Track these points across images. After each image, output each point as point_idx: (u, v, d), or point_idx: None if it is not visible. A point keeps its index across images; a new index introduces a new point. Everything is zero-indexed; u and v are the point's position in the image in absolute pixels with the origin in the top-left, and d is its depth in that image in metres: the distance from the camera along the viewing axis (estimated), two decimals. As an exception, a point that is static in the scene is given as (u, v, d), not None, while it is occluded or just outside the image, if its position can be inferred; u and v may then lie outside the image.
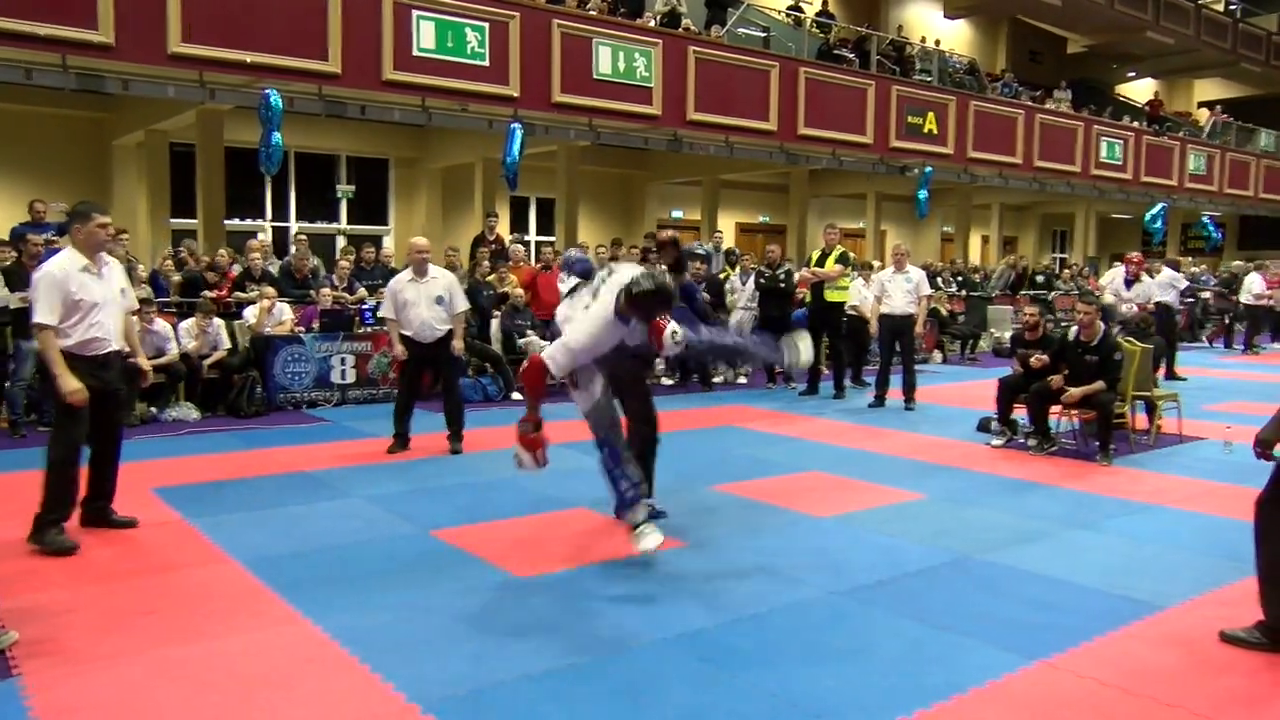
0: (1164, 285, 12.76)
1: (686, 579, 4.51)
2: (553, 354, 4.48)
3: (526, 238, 16.93)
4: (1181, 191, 22.95)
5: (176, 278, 10.13)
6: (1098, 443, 7.33)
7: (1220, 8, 27.74)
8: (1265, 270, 17.33)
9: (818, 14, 19.63)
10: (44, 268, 4.91)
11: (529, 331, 10.84)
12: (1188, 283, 15.54)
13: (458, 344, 7.49)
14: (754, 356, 5.36)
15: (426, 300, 7.25)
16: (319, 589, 4.29)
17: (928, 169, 16.78)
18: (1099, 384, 7.11)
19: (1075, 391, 7.15)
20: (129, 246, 10.42)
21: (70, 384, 4.70)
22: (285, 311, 9.73)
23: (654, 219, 19.13)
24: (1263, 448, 3.70)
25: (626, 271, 4.67)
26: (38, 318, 4.74)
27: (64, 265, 4.84)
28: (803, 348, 5.24)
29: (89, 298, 4.86)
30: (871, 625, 3.97)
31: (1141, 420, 8.22)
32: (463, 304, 7.53)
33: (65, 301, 4.78)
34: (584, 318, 4.58)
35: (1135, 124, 22.72)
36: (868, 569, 4.68)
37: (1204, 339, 18.63)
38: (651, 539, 4.64)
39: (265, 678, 3.41)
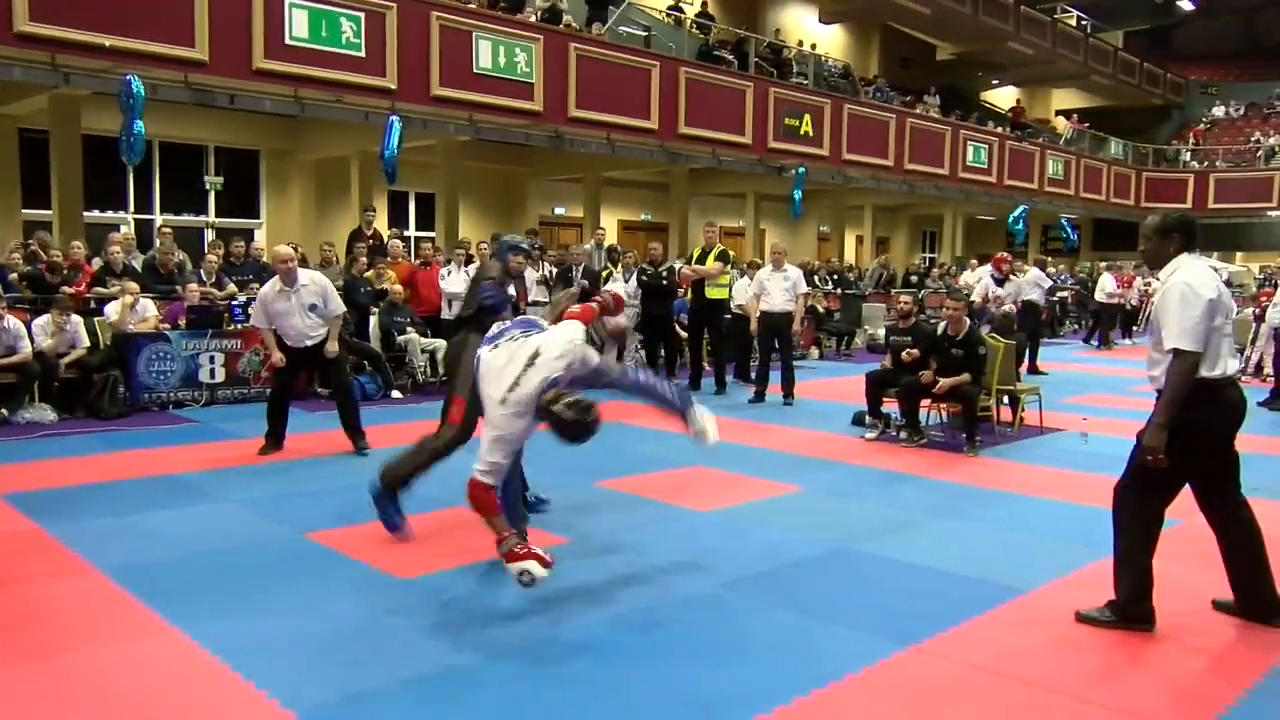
0: (1031, 284, 13.40)
1: (570, 576, 4.49)
2: (486, 464, 3.91)
3: (406, 233, 16.61)
4: (1041, 195, 24.16)
5: (14, 275, 9.47)
6: (964, 434, 7.65)
7: (1073, 22, 29.26)
8: (1118, 270, 18.40)
9: (698, 15, 19.87)
10: None
11: (408, 329, 10.65)
12: (1051, 282, 16.34)
13: (332, 347, 7.18)
14: (666, 401, 4.59)
15: (299, 309, 7.01)
16: (189, 597, 4.11)
17: (800, 169, 17.17)
18: (965, 376, 7.43)
19: (945, 382, 7.45)
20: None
21: None
22: (149, 308, 9.30)
23: (536, 215, 19.03)
24: (1152, 453, 3.77)
25: (551, 352, 3.99)
26: None
27: None
28: (710, 430, 4.53)
29: None
30: (752, 617, 4.04)
31: (1005, 413, 8.61)
32: (338, 308, 7.30)
33: None
34: (500, 414, 3.92)
35: (999, 130, 23.79)
36: (748, 562, 4.76)
37: (1063, 335, 19.64)
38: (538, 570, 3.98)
39: (131, 692, 3.25)
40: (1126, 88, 31.29)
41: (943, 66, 29.46)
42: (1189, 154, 30.23)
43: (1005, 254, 12.62)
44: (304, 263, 11.16)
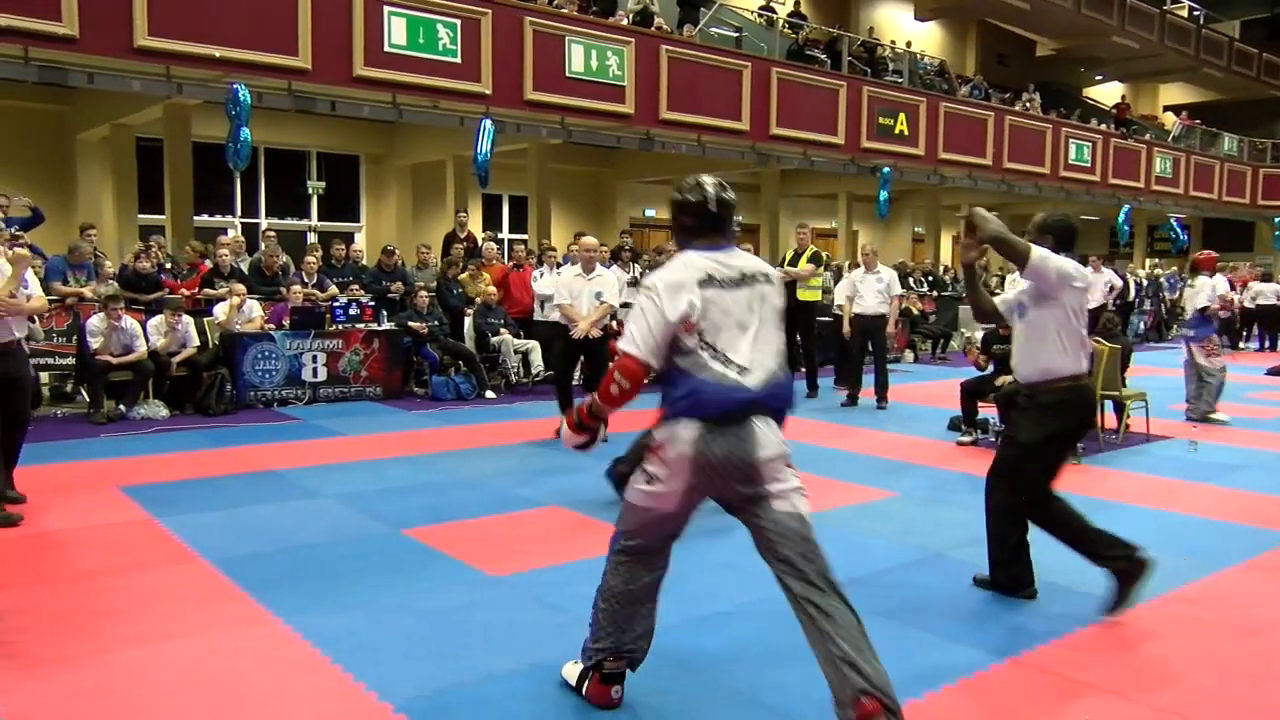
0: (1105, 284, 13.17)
1: (659, 577, 4.50)
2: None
3: (500, 235, 16.88)
4: (1147, 194, 23.28)
5: (112, 272, 9.85)
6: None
7: (1184, 14, 28.14)
8: (1231, 272, 17.63)
9: (789, 14, 19.71)
10: None
11: (502, 330, 10.81)
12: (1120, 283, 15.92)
13: (595, 329, 7.60)
14: None
15: (588, 295, 7.73)
16: (289, 588, 4.25)
17: (885, 169, 16.87)
18: None
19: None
20: (96, 241, 10.28)
21: None
22: (255, 309, 9.64)
23: (626, 217, 19.14)
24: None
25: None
26: None
27: None
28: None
29: None
30: (844, 623, 3.98)
31: (1110, 419, 8.32)
32: (614, 300, 7.93)
33: None
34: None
35: (1103, 127, 23.01)
36: (838, 567, 4.60)
37: (1170, 339, 18.91)
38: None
39: (234, 678, 3.37)
40: (1242, 80, 29.93)
41: (1042, 62, 28.65)
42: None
43: (1206, 252, 11.42)
44: (397, 268, 11.44)
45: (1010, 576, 4.25)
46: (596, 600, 3.19)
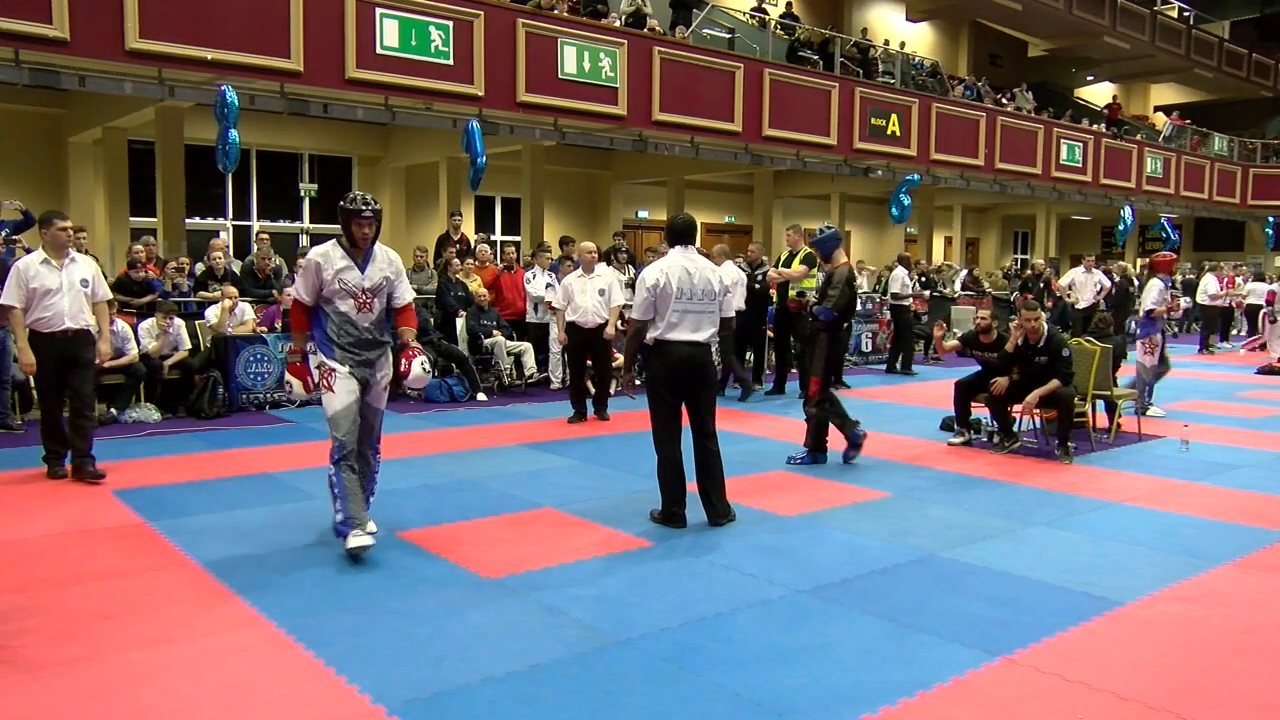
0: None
1: (651, 579, 4.51)
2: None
3: (492, 237, 16.87)
4: (1139, 194, 23.35)
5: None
6: (1058, 440, 7.43)
7: (1174, 14, 28.24)
8: (1219, 271, 17.71)
9: (782, 16, 19.74)
10: None
11: (494, 331, 10.80)
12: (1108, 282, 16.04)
13: (610, 330, 8.83)
14: None
15: (592, 292, 8.80)
16: (282, 591, 4.24)
17: (914, 177, 16.76)
18: (1054, 383, 7.21)
19: (1031, 397, 7.24)
20: (87, 244, 10.23)
21: None
22: (247, 311, 9.61)
23: (619, 219, 19.14)
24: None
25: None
26: None
27: None
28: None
29: None
30: (836, 623, 3.99)
31: (1102, 419, 8.34)
32: (619, 298, 8.90)
33: None
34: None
35: (1095, 127, 23.07)
36: (832, 567, 4.70)
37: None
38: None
39: (228, 681, 3.36)
40: (1233, 80, 30.06)
41: (1034, 63, 28.74)
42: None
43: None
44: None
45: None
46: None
